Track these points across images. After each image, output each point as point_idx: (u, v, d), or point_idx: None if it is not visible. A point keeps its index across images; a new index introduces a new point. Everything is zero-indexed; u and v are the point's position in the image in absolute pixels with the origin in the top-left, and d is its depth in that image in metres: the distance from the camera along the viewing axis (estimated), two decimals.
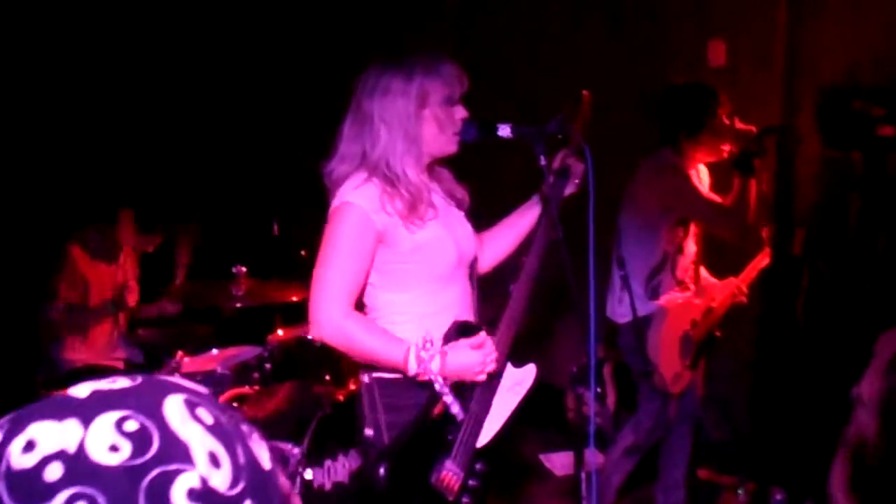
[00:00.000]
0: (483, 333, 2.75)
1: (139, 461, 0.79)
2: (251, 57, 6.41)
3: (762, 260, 4.50)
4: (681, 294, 4.33)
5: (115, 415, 0.82)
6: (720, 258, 4.59)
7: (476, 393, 2.79)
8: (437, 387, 2.66)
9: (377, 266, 2.79)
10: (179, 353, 4.18)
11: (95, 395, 0.85)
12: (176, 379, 0.90)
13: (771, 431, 4.91)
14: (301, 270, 4.65)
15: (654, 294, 4.29)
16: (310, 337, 4.36)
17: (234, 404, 3.96)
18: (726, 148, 4.28)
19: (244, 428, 0.89)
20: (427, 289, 2.83)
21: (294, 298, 4.48)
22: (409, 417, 2.74)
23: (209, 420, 0.85)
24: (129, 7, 6.05)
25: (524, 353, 2.95)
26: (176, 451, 0.81)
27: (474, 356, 2.69)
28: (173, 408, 0.84)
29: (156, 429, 0.82)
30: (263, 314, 4.64)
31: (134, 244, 4.91)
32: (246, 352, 4.51)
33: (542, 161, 2.76)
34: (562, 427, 5.19)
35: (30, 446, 0.80)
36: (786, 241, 4.54)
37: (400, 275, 2.80)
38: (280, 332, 4.57)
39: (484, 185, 3.20)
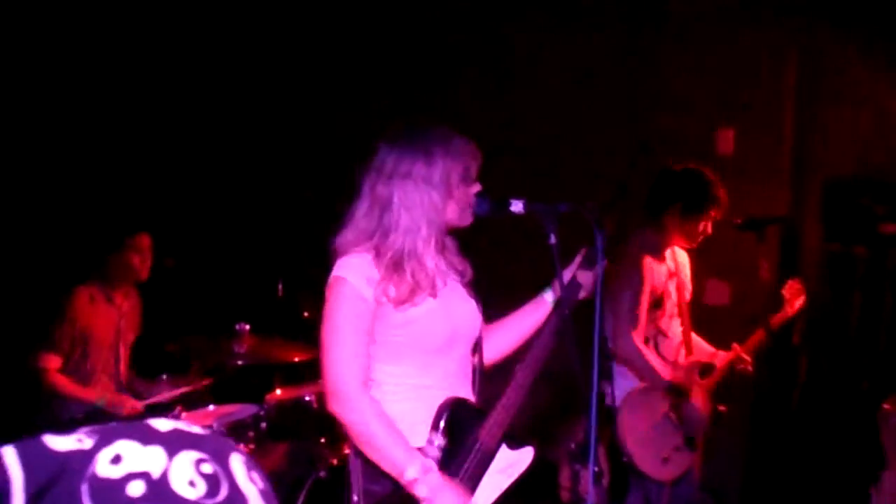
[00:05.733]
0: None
1: (210, 502, 0.88)
2: (264, 118, 6.49)
3: (771, 323, 4.37)
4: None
5: (194, 454, 0.91)
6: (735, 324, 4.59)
7: (463, 471, 2.76)
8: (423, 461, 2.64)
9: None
10: (178, 406, 4.17)
11: (177, 432, 0.94)
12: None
13: None
14: (303, 331, 4.70)
15: None
16: (308, 398, 4.41)
17: None
18: (702, 235, 4.31)
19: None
20: (419, 361, 2.81)
21: (295, 359, 4.49)
22: (388, 490, 2.69)
23: (260, 484, 0.94)
24: (133, 56, 6.13)
25: (523, 434, 2.93)
26: (239, 503, 0.91)
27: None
28: (238, 464, 0.94)
29: (225, 478, 0.91)
30: (264, 373, 4.65)
31: (136, 272, 4.86)
32: (243, 409, 4.50)
33: (552, 240, 2.74)
34: None
35: (117, 459, 0.88)
36: (786, 331, 4.54)
37: (391, 346, 2.79)
38: (278, 391, 4.57)
39: (497, 258, 3.23)
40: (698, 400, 4.29)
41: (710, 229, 4.31)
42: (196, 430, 0.95)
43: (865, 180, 5.09)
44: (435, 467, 2.64)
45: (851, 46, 5.24)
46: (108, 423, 0.94)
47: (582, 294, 2.95)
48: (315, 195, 2.98)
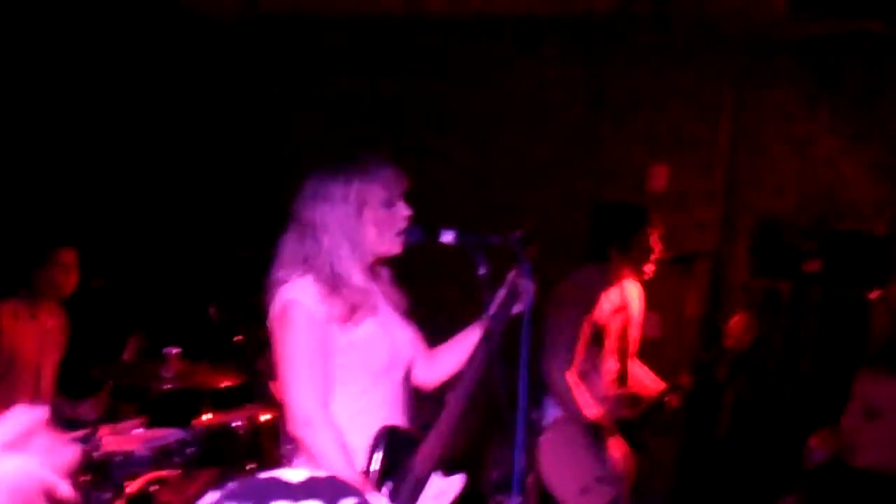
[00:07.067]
0: None
1: None
2: (198, 140, 6.47)
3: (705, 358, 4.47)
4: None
5: (352, 500, 0.89)
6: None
7: (398, 499, 2.76)
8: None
9: None
10: (101, 429, 4.09)
11: (314, 480, 0.91)
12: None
13: None
14: (234, 356, 4.66)
15: None
16: (236, 424, 4.37)
17: (153, 487, 3.89)
18: (650, 268, 4.36)
19: None
20: (358, 387, 2.82)
21: (224, 384, 4.45)
22: None
23: None
24: (68, 71, 6.07)
25: (453, 463, 2.94)
26: None
27: None
28: (376, 501, 0.92)
29: None
30: (192, 398, 4.59)
31: (60, 288, 4.81)
32: (170, 434, 4.43)
33: (482, 270, 2.77)
34: None
35: None
36: (712, 363, 4.61)
37: (333, 371, 2.80)
38: (206, 416, 4.52)
39: (430, 290, 3.24)
40: (616, 441, 4.32)
41: (657, 240, 4.35)
42: (322, 474, 0.93)
43: (792, 219, 5.21)
44: (383, 494, 2.66)
45: (785, 89, 5.37)
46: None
47: (518, 307, 2.97)
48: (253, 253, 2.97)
